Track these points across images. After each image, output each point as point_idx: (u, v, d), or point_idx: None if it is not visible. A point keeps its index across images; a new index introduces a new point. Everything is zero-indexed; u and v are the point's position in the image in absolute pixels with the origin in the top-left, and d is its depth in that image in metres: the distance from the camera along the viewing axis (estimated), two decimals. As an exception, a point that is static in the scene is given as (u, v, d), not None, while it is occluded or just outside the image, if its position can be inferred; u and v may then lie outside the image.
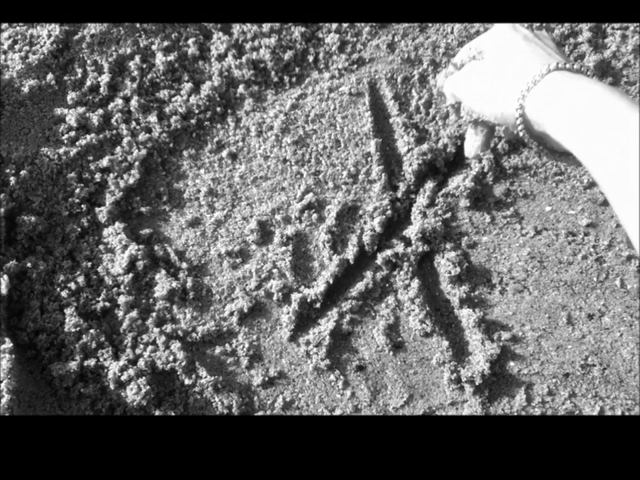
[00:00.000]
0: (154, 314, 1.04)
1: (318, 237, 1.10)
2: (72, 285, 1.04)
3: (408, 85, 1.19)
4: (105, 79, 1.15)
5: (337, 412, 1.01)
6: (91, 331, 1.01)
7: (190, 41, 1.19)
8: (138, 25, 1.19)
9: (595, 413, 1.00)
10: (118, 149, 1.12)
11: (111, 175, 1.10)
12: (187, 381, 1.01)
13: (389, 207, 1.11)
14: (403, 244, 1.09)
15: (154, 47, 1.18)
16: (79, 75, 1.16)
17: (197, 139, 1.16)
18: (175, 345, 1.02)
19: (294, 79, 1.20)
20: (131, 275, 1.05)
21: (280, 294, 1.06)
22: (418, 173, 1.13)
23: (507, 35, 0.84)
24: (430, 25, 1.22)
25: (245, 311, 1.05)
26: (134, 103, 1.14)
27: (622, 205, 0.64)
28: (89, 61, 1.16)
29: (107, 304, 1.04)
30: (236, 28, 1.20)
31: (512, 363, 1.03)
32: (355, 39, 1.21)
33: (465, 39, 1.19)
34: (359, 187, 1.13)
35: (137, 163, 1.11)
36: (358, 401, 1.02)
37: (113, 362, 1.00)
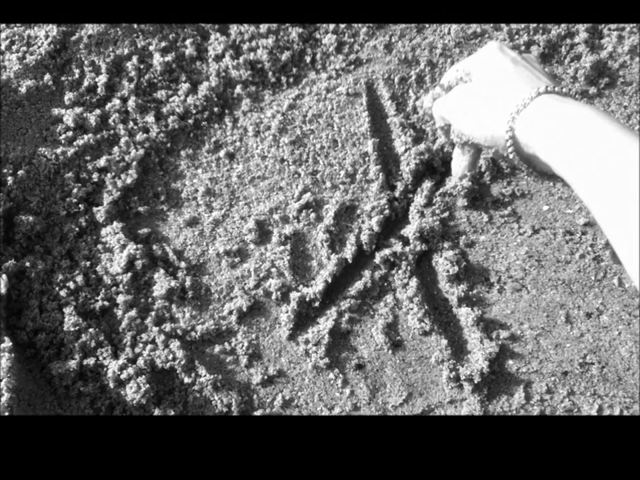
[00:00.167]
0: (153, 313, 1.04)
1: (316, 236, 1.10)
2: (71, 284, 1.03)
3: (405, 85, 1.20)
4: (102, 79, 1.15)
5: (336, 410, 1.01)
6: (90, 330, 1.01)
7: (187, 42, 1.19)
8: (135, 26, 1.19)
9: (594, 411, 1.00)
10: (115, 148, 1.12)
11: (109, 174, 1.10)
12: (186, 380, 1.01)
13: (386, 207, 1.11)
14: (401, 243, 1.09)
15: (151, 48, 1.18)
16: (77, 76, 1.16)
17: (194, 139, 1.16)
18: (174, 344, 1.02)
19: (291, 80, 1.20)
20: (129, 274, 1.05)
21: (279, 293, 1.06)
22: (415, 173, 1.13)
23: (495, 57, 0.85)
24: (427, 25, 1.23)
25: (244, 309, 1.05)
26: (131, 103, 1.14)
27: (622, 245, 0.64)
28: (86, 62, 1.16)
29: (106, 303, 1.04)
30: (233, 29, 1.21)
31: (510, 362, 1.03)
32: (352, 40, 1.22)
33: (461, 39, 1.20)
34: (356, 187, 1.14)
35: (134, 163, 1.11)
36: (357, 399, 1.02)
37: (112, 361, 1.00)
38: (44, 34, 1.16)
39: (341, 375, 1.03)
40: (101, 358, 1.00)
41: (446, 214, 1.12)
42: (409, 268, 1.08)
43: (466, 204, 1.12)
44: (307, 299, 1.06)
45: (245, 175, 1.14)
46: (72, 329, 1.00)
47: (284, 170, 1.15)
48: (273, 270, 1.08)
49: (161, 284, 1.05)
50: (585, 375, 1.02)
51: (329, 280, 1.07)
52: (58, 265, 1.05)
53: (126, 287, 1.05)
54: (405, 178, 1.14)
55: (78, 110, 1.12)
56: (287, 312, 1.05)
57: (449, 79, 0.92)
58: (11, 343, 0.95)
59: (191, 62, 1.19)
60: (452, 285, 1.08)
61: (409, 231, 1.10)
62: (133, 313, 1.03)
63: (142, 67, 1.17)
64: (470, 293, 1.08)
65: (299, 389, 1.03)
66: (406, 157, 1.14)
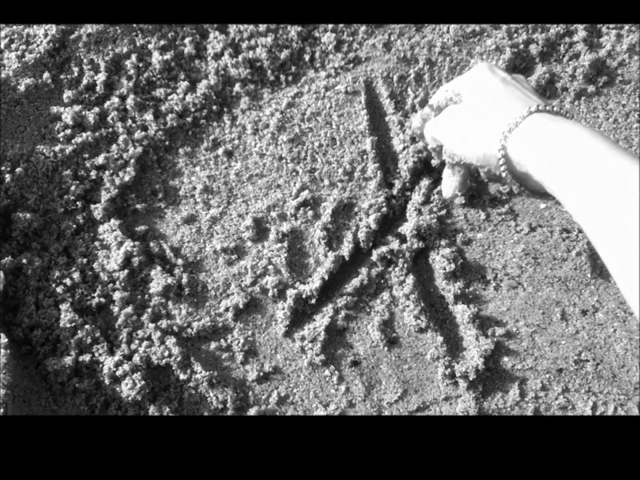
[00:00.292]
0: (149, 310, 1.04)
1: (313, 233, 1.11)
2: (67, 281, 1.04)
3: (404, 83, 1.20)
4: (101, 77, 1.15)
5: (332, 407, 1.01)
6: (86, 326, 1.01)
7: (186, 40, 1.19)
8: (134, 25, 1.19)
9: (588, 408, 1.00)
10: (114, 146, 1.12)
11: (107, 172, 1.11)
12: (182, 376, 1.01)
13: (384, 204, 1.11)
14: (398, 241, 1.09)
15: (150, 46, 1.18)
16: (75, 74, 1.16)
17: (192, 136, 1.17)
18: (170, 341, 1.02)
19: (290, 78, 1.20)
20: (126, 271, 1.05)
21: (275, 290, 1.07)
22: (413, 171, 1.13)
23: (486, 77, 0.86)
24: (426, 24, 1.23)
25: (240, 306, 1.06)
26: (130, 101, 1.15)
27: (622, 278, 0.64)
28: (85, 60, 1.17)
29: (102, 300, 1.04)
30: (232, 27, 1.21)
31: (506, 359, 1.03)
32: (351, 38, 1.22)
33: (460, 38, 1.20)
34: (354, 185, 1.14)
35: (132, 161, 1.12)
36: (352, 396, 1.02)
37: (108, 357, 1.00)
38: (43, 32, 1.17)
39: (336, 372, 1.03)
40: (96, 354, 1.01)
41: (443, 212, 1.12)
42: (405, 265, 1.08)
43: (463, 202, 1.12)
44: (304, 296, 1.06)
45: (243, 172, 1.14)
46: (68, 326, 1.01)
47: (282, 168, 1.15)
48: (270, 267, 1.08)
49: (158, 281, 1.05)
50: (580, 372, 1.02)
51: (326, 277, 1.07)
52: (55, 261, 1.06)
53: (122, 284, 1.05)
54: (403, 176, 1.14)
55: (77, 108, 1.13)
56: (283, 309, 1.06)
57: (438, 100, 0.93)
58: (6, 339, 0.96)
59: (189, 60, 1.20)
60: (448, 282, 1.08)
61: (406, 228, 1.10)
62: (129, 309, 1.03)
63: (141, 65, 1.18)
64: (466, 290, 1.08)
65: (294, 386, 1.03)
66: (404, 154, 1.14)
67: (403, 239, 1.10)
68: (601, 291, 1.06)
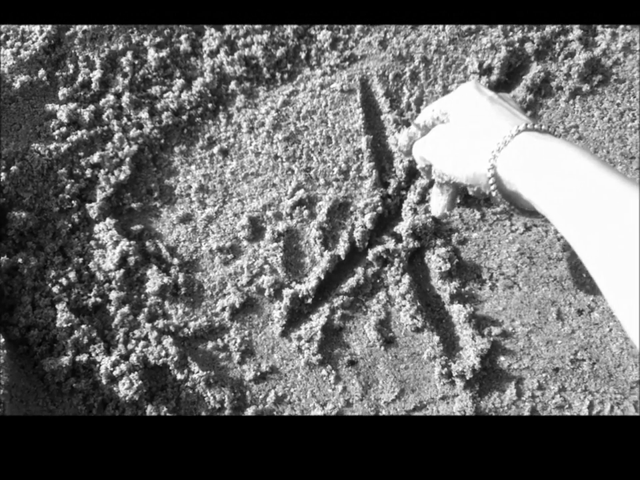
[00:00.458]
0: (146, 309, 1.04)
1: (309, 233, 1.11)
2: (63, 281, 1.04)
3: (399, 82, 1.20)
4: (96, 74, 1.15)
5: (329, 406, 1.02)
6: (83, 326, 1.01)
7: (182, 38, 1.19)
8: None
9: (585, 407, 1.01)
10: (109, 144, 1.12)
11: (102, 170, 1.10)
12: (179, 376, 1.01)
13: (379, 204, 1.11)
14: (393, 240, 1.09)
15: (146, 43, 1.18)
16: (71, 71, 1.16)
17: (188, 135, 1.16)
18: (167, 340, 1.02)
19: (286, 76, 1.20)
20: (122, 270, 1.05)
21: (271, 290, 1.07)
22: (409, 170, 1.13)
23: (472, 96, 0.86)
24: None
25: (237, 306, 1.06)
26: (125, 99, 1.14)
27: (619, 305, 0.65)
28: (80, 57, 1.16)
29: (99, 299, 1.04)
30: (228, 25, 1.20)
31: (502, 358, 1.04)
32: (346, 36, 1.21)
33: (456, 36, 1.20)
34: (350, 184, 1.14)
35: (127, 159, 1.11)
36: (349, 395, 1.03)
37: (104, 357, 1.00)
38: (38, 29, 1.16)
39: (333, 372, 1.03)
40: (93, 354, 1.00)
41: (439, 211, 1.12)
42: (401, 265, 1.08)
43: (459, 201, 1.12)
44: (300, 296, 1.06)
45: (238, 171, 1.14)
46: (64, 326, 1.00)
47: (277, 167, 1.15)
48: (266, 267, 1.08)
49: (154, 280, 1.05)
50: (576, 372, 1.03)
51: (322, 277, 1.07)
52: (51, 261, 1.05)
53: (119, 284, 1.05)
54: (399, 175, 1.14)
55: (72, 105, 1.12)
56: (279, 309, 1.06)
57: (424, 119, 0.94)
58: (3, 340, 0.96)
59: (185, 58, 1.19)
60: (444, 281, 1.08)
61: (402, 228, 1.10)
62: (125, 309, 1.03)
63: (136, 62, 1.17)
64: (462, 289, 1.08)
65: (291, 385, 1.03)
66: (399, 154, 1.14)
67: (398, 239, 1.10)
68: (596, 290, 1.06)
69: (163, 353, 1.01)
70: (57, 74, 1.15)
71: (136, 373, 0.99)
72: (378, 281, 1.09)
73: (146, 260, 1.08)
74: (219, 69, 1.18)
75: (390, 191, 1.13)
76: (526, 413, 1.01)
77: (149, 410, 0.98)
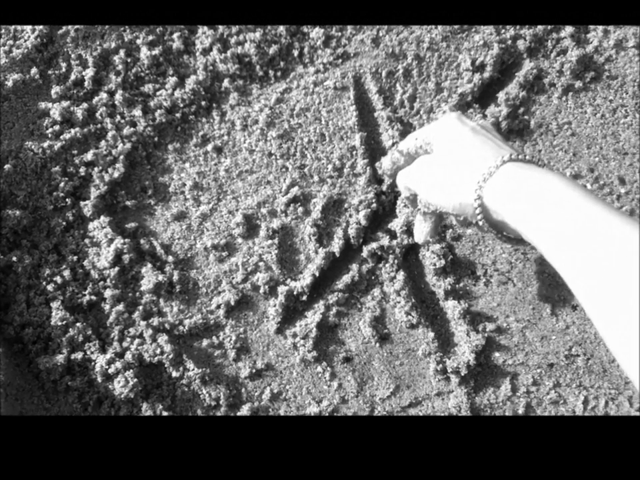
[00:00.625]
0: (140, 307, 1.04)
1: (304, 230, 1.11)
2: (58, 279, 1.03)
3: (392, 79, 1.20)
4: (89, 73, 1.14)
5: (324, 403, 1.02)
6: (78, 324, 1.01)
7: (175, 35, 1.18)
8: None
9: (580, 403, 1.01)
10: (102, 142, 1.12)
11: (96, 168, 1.10)
12: (174, 374, 1.01)
13: (374, 200, 1.11)
14: (388, 237, 1.10)
15: (138, 41, 1.17)
16: (63, 69, 1.15)
17: (181, 132, 1.16)
18: (162, 338, 1.02)
19: (279, 73, 1.20)
20: (117, 268, 1.05)
21: (266, 287, 1.07)
22: (403, 167, 1.14)
23: (454, 127, 0.87)
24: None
25: (232, 303, 1.06)
26: (118, 97, 1.14)
27: (615, 343, 0.65)
28: (73, 55, 1.16)
29: (93, 297, 1.04)
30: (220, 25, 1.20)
31: (497, 354, 1.04)
32: (339, 34, 1.21)
33: (449, 33, 1.20)
34: (344, 181, 1.14)
35: (121, 157, 1.11)
36: (345, 392, 1.03)
37: (100, 355, 1.00)
38: (30, 27, 1.15)
39: (328, 368, 1.04)
40: (88, 352, 1.00)
41: (433, 207, 1.12)
42: (396, 261, 1.08)
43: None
44: (295, 293, 1.06)
45: (232, 168, 1.14)
46: (59, 324, 1.00)
47: (272, 164, 1.15)
48: (261, 264, 1.08)
49: (149, 278, 1.05)
50: (571, 367, 1.03)
51: (317, 274, 1.07)
52: (45, 259, 1.05)
53: (113, 281, 1.05)
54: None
55: (65, 104, 1.12)
56: (274, 306, 1.06)
57: (407, 146, 0.94)
58: (-2, 338, 0.96)
59: (178, 55, 1.19)
60: (439, 278, 1.08)
61: (396, 224, 1.10)
62: (120, 307, 1.03)
63: (129, 60, 1.17)
64: (456, 286, 1.08)
65: (287, 382, 1.03)
66: (393, 150, 1.14)
67: (393, 235, 1.10)
68: (590, 286, 1.06)
69: (158, 351, 1.01)
70: (50, 72, 1.15)
71: (131, 370, 0.99)
72: (373, 277, 1.09)
73: (140, 258, 1.08)
74: (212, 66, 1.18)
75: (384, 187, 1.13)
76: (521, 409, 1.01)
77: (145, 408, 0.98)
